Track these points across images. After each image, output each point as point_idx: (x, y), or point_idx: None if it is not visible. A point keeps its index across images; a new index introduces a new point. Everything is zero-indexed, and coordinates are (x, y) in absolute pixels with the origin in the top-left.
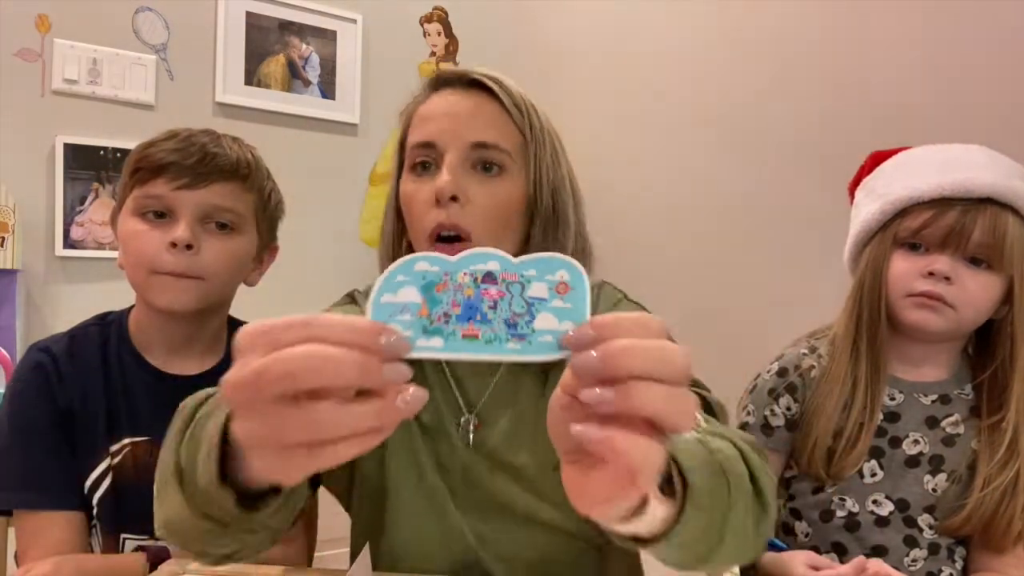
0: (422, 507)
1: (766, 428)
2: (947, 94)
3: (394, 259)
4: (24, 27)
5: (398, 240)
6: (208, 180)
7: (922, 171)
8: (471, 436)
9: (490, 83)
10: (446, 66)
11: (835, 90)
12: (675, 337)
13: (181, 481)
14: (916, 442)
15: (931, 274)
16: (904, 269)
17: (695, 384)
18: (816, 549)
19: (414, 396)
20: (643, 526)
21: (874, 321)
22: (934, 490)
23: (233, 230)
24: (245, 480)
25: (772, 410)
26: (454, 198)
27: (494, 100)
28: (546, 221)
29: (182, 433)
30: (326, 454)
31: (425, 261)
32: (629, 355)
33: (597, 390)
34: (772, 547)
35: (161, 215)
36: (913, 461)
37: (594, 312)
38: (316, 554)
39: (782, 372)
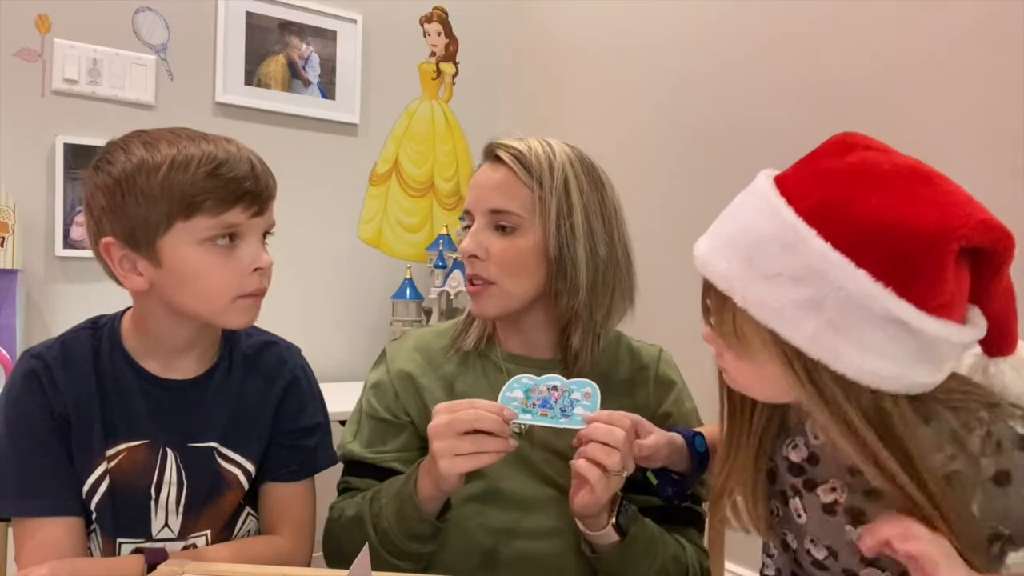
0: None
1: None
2: (944, 96)
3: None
4: (24, 27)
5: None
6: (270, 202)
7: None
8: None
9: (502, 153)
10: (447, 65)
11: (837, 86)
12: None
13: (376, 532)
14: (833, 489)
15: None
16: None
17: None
18: (779, 572)
19: (512, 442)
20: (600, 539)
21: None
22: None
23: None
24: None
25: None
26: (475, 256)
27: (511, 168)
28: (555, 264)
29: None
30: (476, 460)
31: (526, 378)
32: (596, 430)
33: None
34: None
35: (227, 239)
36: (829, 509)
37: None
38: (316, 554)
39: None
